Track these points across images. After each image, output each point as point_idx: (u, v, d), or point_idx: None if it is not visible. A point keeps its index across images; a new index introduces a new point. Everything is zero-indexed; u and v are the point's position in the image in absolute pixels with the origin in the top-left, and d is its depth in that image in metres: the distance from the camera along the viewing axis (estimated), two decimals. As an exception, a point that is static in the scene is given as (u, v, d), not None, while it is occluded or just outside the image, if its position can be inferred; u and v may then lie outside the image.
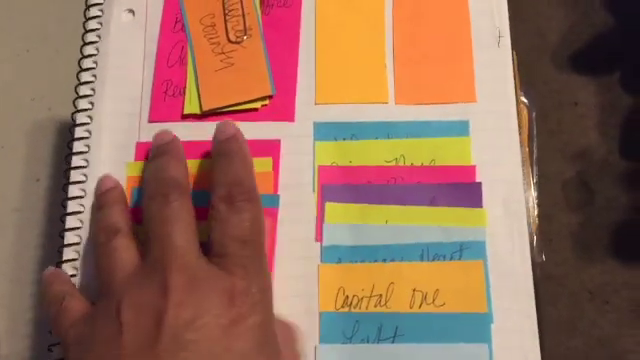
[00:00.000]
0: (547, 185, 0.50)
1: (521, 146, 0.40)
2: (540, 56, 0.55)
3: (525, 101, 0.45)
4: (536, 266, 0.37)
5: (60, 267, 0.39)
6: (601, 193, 0.50)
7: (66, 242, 0.39)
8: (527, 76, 0.49)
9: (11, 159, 0.56)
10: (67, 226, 0.39)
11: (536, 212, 0.41)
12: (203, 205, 0.39)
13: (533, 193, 0.41)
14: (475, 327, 0.36)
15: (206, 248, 0.35)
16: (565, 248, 0.49)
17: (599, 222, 0.50)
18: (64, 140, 0.58)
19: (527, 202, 0.39)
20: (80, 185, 0.40)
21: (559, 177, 0.51)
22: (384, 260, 0.37)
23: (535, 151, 0.45)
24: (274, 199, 0.39)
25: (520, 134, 0.40)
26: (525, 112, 0.45)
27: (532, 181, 0.42)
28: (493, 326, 0.36)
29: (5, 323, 0.51)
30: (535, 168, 0.44)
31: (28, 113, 0.59)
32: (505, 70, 0.41)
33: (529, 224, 0.38)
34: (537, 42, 0.55)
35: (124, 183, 0.40)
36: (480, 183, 0.39)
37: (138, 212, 0.39)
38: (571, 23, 0.56)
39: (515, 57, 0.42)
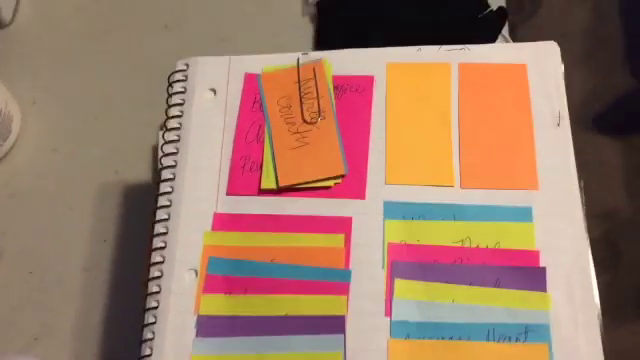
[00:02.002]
0: None
1: (585, 235, 0.42)
2: None
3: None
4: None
5: (142, 330, 0.41)
6: (628, 253, 0.51)
7: (147, 306, 0.41)
8: None
9: (79, 220, 0.59)
10: (148, 290, 0.41)
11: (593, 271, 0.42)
12: (277, 276, 0.41)
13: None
14: (540, 410, 0.37)
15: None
16: None
17: (627, 282, 0.50)
18: (130, 202, 0.61)
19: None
20: (160, 252, 0.42)
21: None
22: (451, 338, 0.39)
23: (584, 220, 0.46)
24: (346, 274, 0.41)
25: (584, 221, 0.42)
26: None
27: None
28: (557, 410, 0.37)
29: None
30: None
31: (95, 176, 0.62)
32: (566, 150, 0.43)
33: (596, 304, 0.40)
34: None
35: (201, 252, 0.42)
36: (544, 268, 0.40)
37: (213, 280, 0.41)
38: (592, 85, 0.57)
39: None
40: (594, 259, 0.51)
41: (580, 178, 0.53)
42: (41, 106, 0.66)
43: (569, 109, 0.56)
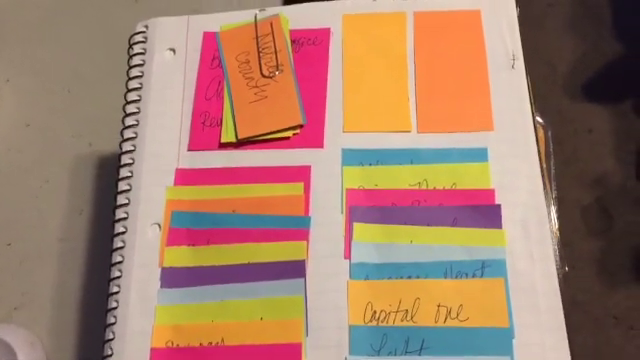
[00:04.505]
0: (566, 212, 0.51)
1: (542, 172, 0.42)
2: (552, 86, 0.57)
3: (540, 120, 0.47)
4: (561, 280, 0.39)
5: (108, 285, 0.41)
6: (620, 218, 0.51)
7: (113, 261, 0.42)
8: (540, 105, 0.51)
9: (55, 193, 0.60)
10: (113, 246, 0.42)
11: (556, 226, 0.43)
12: (239, 226, 0.42)
13: (553, 208, 0.43)
14: (497, 341, 0.38)
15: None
16: (588, 274, 0.50)
17: (620, 247, 0.50)
18: (105, 173, 0.61)
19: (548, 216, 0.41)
20: (124, 208, 0.43)
21: (577, 204, 0.52)
22: (409, 277, 0.39)
23: (553, 168, 0.46)
24: (305, 221, 0.41)
25: (540, 159, 0.42)
26: (541, 131, 0.47)
27: (551, 196, 0.44)
28: (515, 341, 0.38)
29: (52, 346, 0.53)
30: (553, 184, 0.46)
31: (70, 149, 0.62)
32: (521, 91, 0.44)
33: (552, 239, 0.40)
34: (548, 72, 0.57)
35: (164, 206, 0.43)
36: (499, 205, 0.41)
37: (176, 233, 0.42)
38: (581, 53, 0.58)
39: (529, 80, 0.45)
40: (586, 226, 0.51)
41: (570, 145, 0.54)
42: (14, 83, 0.66)
43: (559, 78, 0.57)
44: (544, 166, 0.47)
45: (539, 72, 0.57)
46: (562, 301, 0.39)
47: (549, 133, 0.50)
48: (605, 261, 0.50)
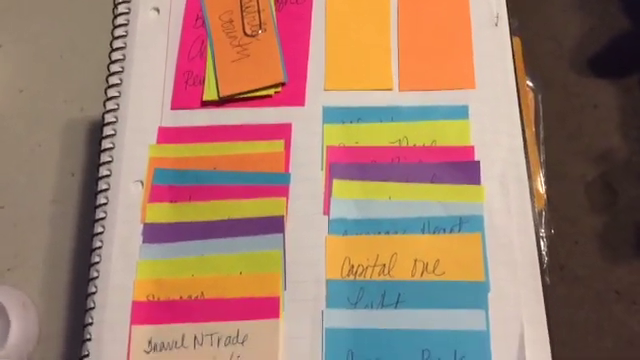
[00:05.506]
0: (570, 187, 0.51)
1: (522, 129, 0.42)
2: (558, 61, 0.56)
3: (531, 84, 0.46)
4: (541, 240, 0.39)
5: (92, 240, 0.42)
6: (625, 193, 0.51)
7: (96, 217, 0.42)
8: (546, 80, 0.50)
9: (48, 156, 0.61)
10: (97, 203, 0.42)
11: (544, 189, 0.42)
12: (220, 183, 0.42)
13: (541, 172, 0.43)
14: (473, 295, 0.38)
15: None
16: (591, 249, 0.50)
17: (624, 222, 0.50)
18: (96, 137, 0.61)
19: (535, 180, 0.41)
20: (107, 165, 0.43)
21: (582, 179, 0.52)
22: (387, 232, 0.40)
23: (542, 132, 0.46)
24: (285, 177, 0.42)
25: (522, 117, 0.42)
26: (531, 95, 0.47)
27: (539, 160, 0.43)
28: (490, 294, 0.38)
29: (44, 306, 0.54)
30: (542, 148, 0.45)
31: (62, 114, 0.63)
32: (504, 50, 0.43)
33: (532, 200, 0.40)
34: (554, 47, 0.57)
35: (146, 164, 0.43)
36: (478, 162, 0.41)
37: (158, 190, 0.42)
38: (588, 28, 0.57)
39: (521, 44, 0.44)
40: (590, 201, 0.51)
41: (575, 120, 0.53)
42: (7, 50, 0.67)
43: (565, 53, 0.56)
44: (533, 130, 0.47)
45: (545, 47, 0.57)
46: (552, 269, 0.39)
47: (539, 97, 0.50)
48: (608, 236, 0.50)
